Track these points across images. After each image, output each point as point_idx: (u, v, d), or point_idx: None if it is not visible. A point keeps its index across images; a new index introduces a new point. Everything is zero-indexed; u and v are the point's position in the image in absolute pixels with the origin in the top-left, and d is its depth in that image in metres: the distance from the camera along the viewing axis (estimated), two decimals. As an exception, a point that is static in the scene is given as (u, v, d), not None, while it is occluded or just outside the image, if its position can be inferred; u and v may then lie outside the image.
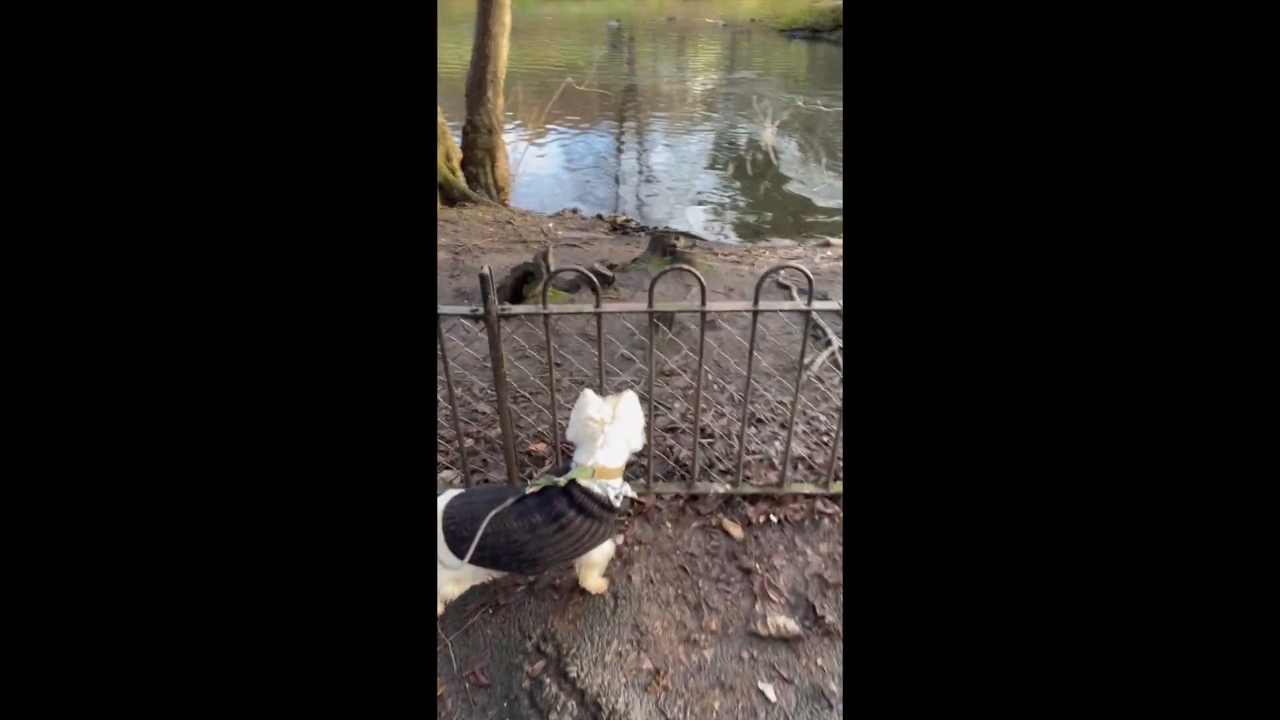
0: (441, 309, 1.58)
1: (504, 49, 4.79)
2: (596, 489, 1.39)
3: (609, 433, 1.41)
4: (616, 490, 1.42)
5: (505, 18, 4.70)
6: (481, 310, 1.55)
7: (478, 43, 4.75)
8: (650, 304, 1.56)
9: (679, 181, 6.79)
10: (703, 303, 1.56)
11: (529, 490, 1.40)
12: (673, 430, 2.09)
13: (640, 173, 7.18)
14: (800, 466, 1.97)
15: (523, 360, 2.42)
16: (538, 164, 7.06)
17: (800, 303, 1.60)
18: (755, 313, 1.57)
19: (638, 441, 1.47)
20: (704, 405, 2.24)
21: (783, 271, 3.50)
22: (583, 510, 1.38)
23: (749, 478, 1.90)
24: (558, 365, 2.52)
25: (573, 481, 1.39)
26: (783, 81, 10.76)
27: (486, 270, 1.52)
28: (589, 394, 1.45)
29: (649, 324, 1.60)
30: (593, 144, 8.04)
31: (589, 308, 1.58)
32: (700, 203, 6.25)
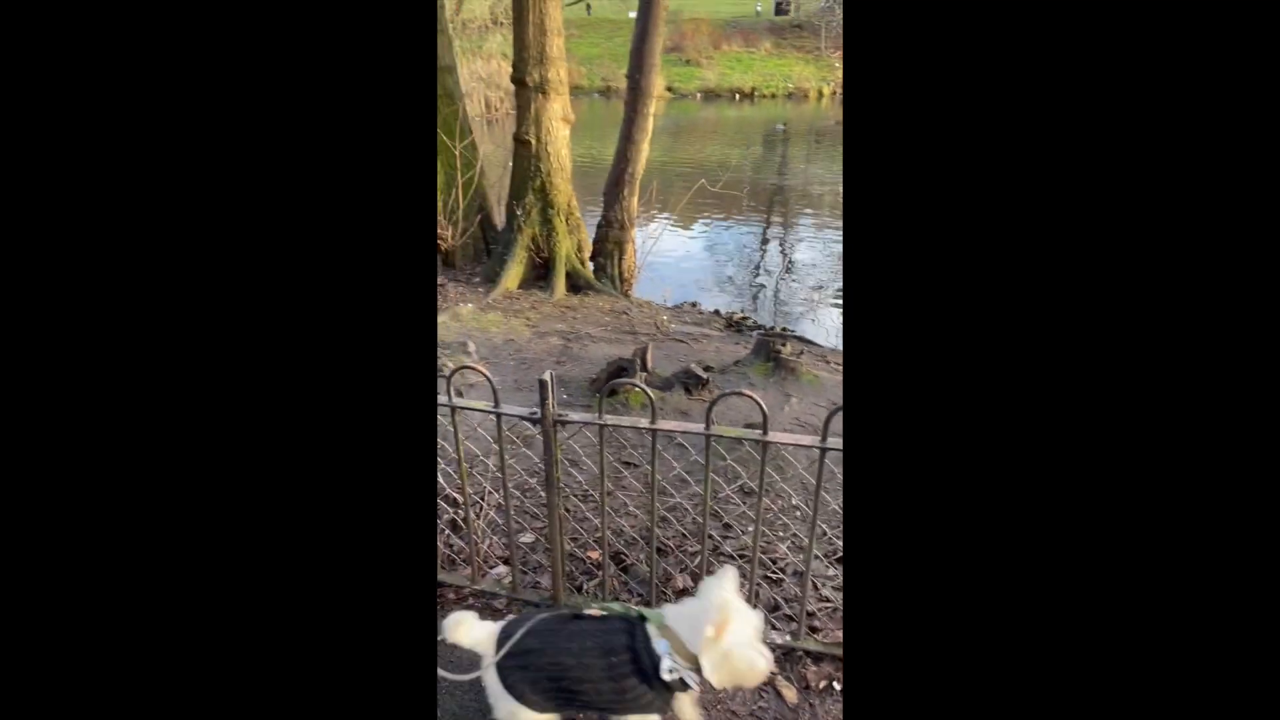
0: (502, 409, 1.60)
1: (643, 153, 5.12)
2: (658, 648, 1.20)
3: (709, 648, 1.16)
4: (671, 666, 1.20)
5: (647, 125, 5.06)
6: (539, 414, 1.55)
7: (620, 147, 5.14)
8: (707, 426, 1.47)
9: (820, 279, 6.65)
10: (764, 432, 1.44)
11: (588, 612, 1.29)
12: (736, 559, 1.91)
13: (781, 268, 7.15)
14: (880, 626, 1.69)
15: (593, 457, 2.38)
16: (677, 252, 7.28)
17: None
18: (823, 450, 1.42)
19: (730, 661, 1.18)
20: (780, 534, 2.03)
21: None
22: (635, 659, 1.20)
23: (815, 629, 1.67)
24: (634, 466, 2.45)
25: (644, 618, 1.23)
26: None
27: (547, 376, 1.52)
28: (731, 598, 1.18)
29: (705, 447, 1.50)
30: (737, 236, 8.18)
31: (644, 421, 1.52)
32: (836, 304, 6.04)
